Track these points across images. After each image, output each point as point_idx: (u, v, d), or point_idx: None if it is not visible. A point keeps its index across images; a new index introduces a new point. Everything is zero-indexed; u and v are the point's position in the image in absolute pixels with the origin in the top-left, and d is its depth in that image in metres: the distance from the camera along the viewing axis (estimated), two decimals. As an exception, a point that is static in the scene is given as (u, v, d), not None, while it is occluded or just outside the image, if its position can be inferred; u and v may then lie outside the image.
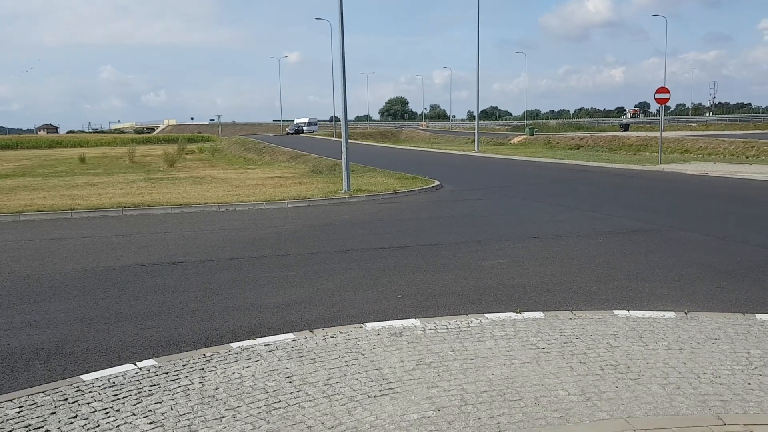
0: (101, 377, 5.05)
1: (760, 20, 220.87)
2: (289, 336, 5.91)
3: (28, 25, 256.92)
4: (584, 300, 7.05)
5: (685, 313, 6.34)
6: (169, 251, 10.22)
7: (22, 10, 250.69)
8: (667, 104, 27.89)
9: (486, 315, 6.44)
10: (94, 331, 6.29)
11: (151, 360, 5.39)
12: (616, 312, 6.45)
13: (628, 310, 6.50)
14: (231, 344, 5.72)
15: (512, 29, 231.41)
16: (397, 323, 6.25)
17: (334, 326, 6.24)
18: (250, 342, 5.76)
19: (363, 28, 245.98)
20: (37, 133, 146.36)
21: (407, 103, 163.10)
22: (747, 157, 28.34)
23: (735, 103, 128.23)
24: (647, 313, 6.38)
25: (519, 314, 6.45)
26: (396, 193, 17.75)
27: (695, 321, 6.09)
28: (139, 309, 7.01)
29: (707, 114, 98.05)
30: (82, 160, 38.69)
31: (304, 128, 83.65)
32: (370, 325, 6.19)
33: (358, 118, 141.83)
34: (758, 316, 6.24)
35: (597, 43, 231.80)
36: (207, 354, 5.47)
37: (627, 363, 5.05)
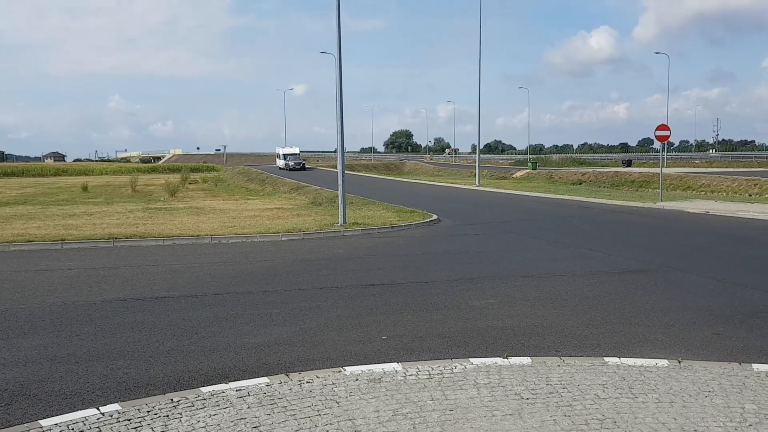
0: (61, 423, 4.80)
1: (764, 58, 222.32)
2: (264, 380, 5.66)
3: (37, 55, 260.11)
4: (575, 345, 6.79)
5: (679, 362, 6.07)
6: (154, 285, 10.00)
7: (31, 40, 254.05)
8: (670, 141, 27.80)
9: (471, 360, 6.18)
10: (62, 371, 6.05)
11: (116, 404, 5.14)
12: (606, 359, 6.19)
13: (619, 357, 6.24)
14: (201, 388, 5.47)
15: (516, 64, 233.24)
16: (378, 367, 6.00)
17: (312, 369, 5.99)
18: (222, 386, 5.51)
19: (367, 60, 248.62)
20: (44, 160, 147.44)
21: (412, 135, 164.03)
22: (750, 195, 28.10)
23: (739, 140, 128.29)
24: (639, 361, 6.11)
25: (505, 360, 6.20)
26: (392, 227, 17.55)
27: (689, 371, 5.82)
28: (113, 347, 6.77)
29: (711, 151, 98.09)
30: (85, 188, 38.76)
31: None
32: (349, 369, 5.94)
33: (363, 150, 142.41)
34: (755, 366, 5.96)
35: (600, 79, 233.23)
36: (174, 399, 5.22)
37: (614, 417, 4.78)
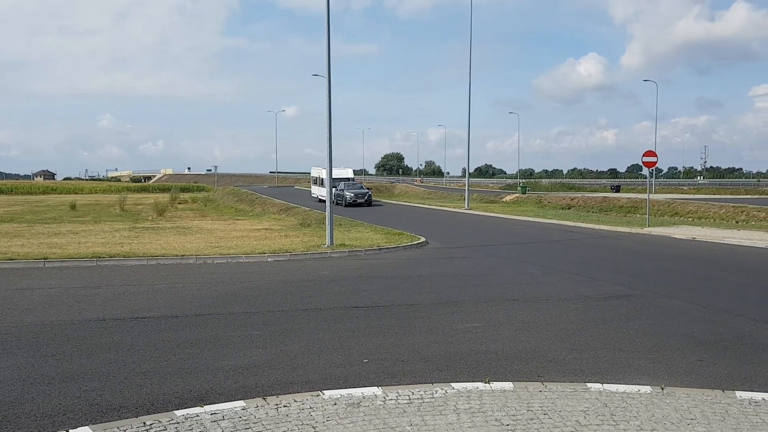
0: (28, 446, 4.67)
1: (750, 87, 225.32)
2: (240, 404, 5.55)
3: (29, 73, 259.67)
4: (557, 370, 6.72)
5: (662, 389, 6.01)
6: (135, 306, 9.86)
7: (23, 59, 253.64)
8: (659, 167, 28.00)
9: (453, 385, 6.10)
10: (35, 392, 5.91)
11: (87, 427, 5.02)
12: (589, 385, 6.13)
13: (602, 383, 6.17)
14: (175, 412, 5.35)
15: (506, 90, 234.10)
16: (358, 391, 5.90)
17: (290, 393, 5.88)
18: (197, 410, 5.39)
19: (360, 84, 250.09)
20: (34, 179, 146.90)
21: (403, 158, 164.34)
22: (737, 222, 28.25)
23: (726, 167, 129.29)
24: (622, 387, 6.05)
25: (487, 384, 6.12)
26: (379, 249, 17.48)
27: (671, 398, 5.76)
28: (89, 368, 6.64)
29: (698, 178, 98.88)
30: (73, 207, 38.49)
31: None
32: (328, 393, 5.84)
33: (354, 173, 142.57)
34: (738, 393, 5.91)
35: (589, 105, 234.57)
36: (147, 422, 5.10)
37: (594, 444, 4.70)
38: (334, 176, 41.62)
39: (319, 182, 45.07)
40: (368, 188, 45.48)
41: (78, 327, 8.47)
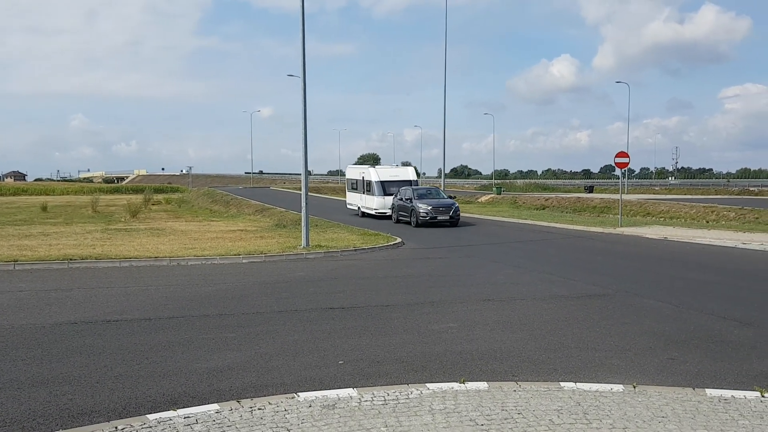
0: (-4, 453, 4.58)
1: (720, 89, 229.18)
2: (214, 407, 5.50)
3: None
4: (532, 370, 6.77)
5: (634, 387, 6.09)
6: (107, 308, 9.73)
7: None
8: (631, 168, 28.28)
9: (428, 385, 6.11)
10: (3, 397, 5.80)
11: (57, 433, 4.94)
12: (562, 384, 6.18)
13: (575, 382, 6.23)
14: (148, 416, 5.29)
15: (481, 91, 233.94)
16: (333, 393, 5.89)
17: (264, 396, 5.85)
18: (170, 414, 5.33)
19: (335, 85, 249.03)
20: (3, 180, 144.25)
21: (379, 159, 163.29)
22: (707, 222, 28.76)
23: (697, 168, 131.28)
24: (594, 386, 6.12)
25: (462, 384, 6.14)
26: (356, 249, 17.47)
27: (643, 396, 5.84)
28: (59, 372, 6.53)
29: (670, 178, 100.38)
30: (44, 208, 37.84)
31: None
32: (303, 396, 5.81)
33: (330, 173, 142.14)
34: (708, 391, 6.01)
35: (563, 106, 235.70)
36: (119, 427, 5.03)
37: (567, 443, 4.75)
38: (385, 179, 30.43)
39: (363, 187, 32.64)
40: (452, 197, 31.17)
41: (49, 330, 8.34)
